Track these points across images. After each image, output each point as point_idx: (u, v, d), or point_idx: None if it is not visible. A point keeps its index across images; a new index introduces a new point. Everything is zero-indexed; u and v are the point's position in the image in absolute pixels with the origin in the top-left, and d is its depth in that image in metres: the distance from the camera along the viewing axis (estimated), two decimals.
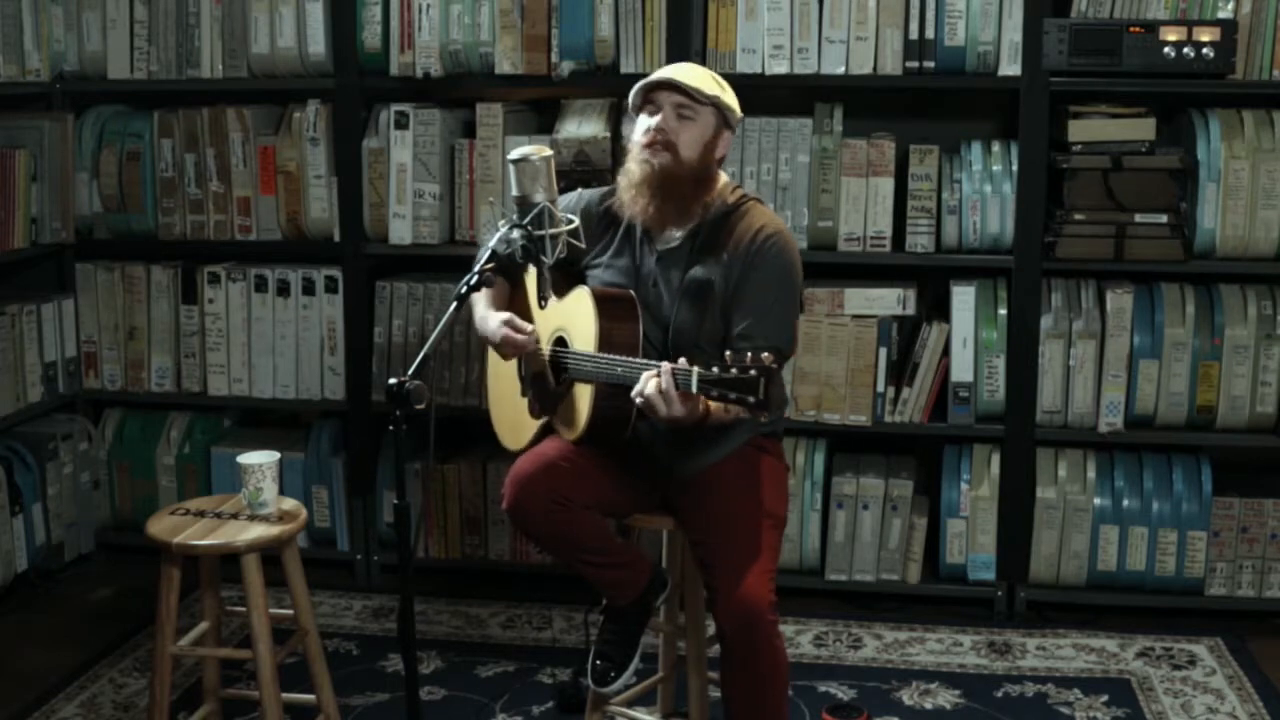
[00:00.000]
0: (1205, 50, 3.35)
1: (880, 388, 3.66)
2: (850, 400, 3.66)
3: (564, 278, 2.74)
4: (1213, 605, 3.65)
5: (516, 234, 2.48)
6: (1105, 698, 3.24)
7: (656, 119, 2.64)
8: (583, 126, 3.64)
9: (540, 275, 2.61)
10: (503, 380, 2.92)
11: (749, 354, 2.26)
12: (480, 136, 3.72)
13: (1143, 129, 3.47)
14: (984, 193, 3.56)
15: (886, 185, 3.58)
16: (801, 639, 3.56)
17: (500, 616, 3.73)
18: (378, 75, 3.76)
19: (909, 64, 3.52)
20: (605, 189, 2.84)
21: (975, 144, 3.62)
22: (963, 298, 3.60)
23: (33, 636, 3.63)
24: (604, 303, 2.62)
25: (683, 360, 2.35)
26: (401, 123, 3.73)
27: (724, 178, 2.76)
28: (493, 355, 2.90)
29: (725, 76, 2.76)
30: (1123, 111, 3.48)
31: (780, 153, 3.61)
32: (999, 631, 3.61)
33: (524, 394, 2.83)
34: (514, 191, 2.51)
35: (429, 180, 3.74)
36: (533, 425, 2.80)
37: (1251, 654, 3.46)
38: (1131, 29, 3.38)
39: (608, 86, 3.71)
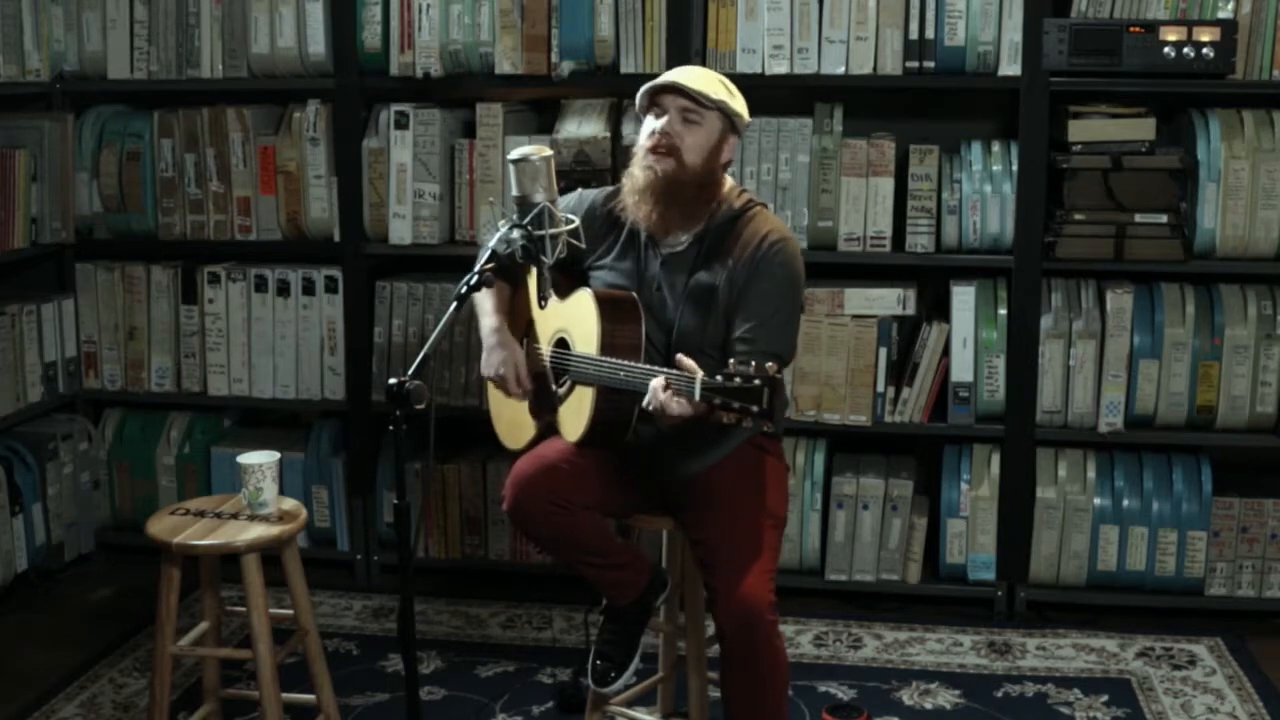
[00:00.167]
0: (1205, 50, 3.35)
1: (880, 388, 3.66)
2: (850, 400, 3.66)
3: (567, 278, 2.74)
4: (1213, 605, 3.65)
5: (516, 234, 2.48)
6: (1105, 698, 3.24)
7: (661, 122, 2.64)
8: (583, 126, 3.64)
9: (540, 275, 2.61)
10: None
11: (753, 363, 2.26)
12: (480, 136, 3.72)
13: (1143, 129, 3.47)
14: (984, 193, 3.56)
15: (886, 185, 3.58)
16: (801, 639, 3.56)
17: (500, 616, 3.73)
18: (378, 75, 3.76)
19: (909, 64, 3.52)
20: (609, 189, 2.84)
21: (975, 144, 3.62)
22: (963, 298, 3.60)
23: (33, 636, 3.63)
24: (607, 305, 2.61)
25: (686, 361, 2.34)
26: (401, 123, 3.73)
27: (729, 181, 2.75)
28: None
29: (725, 76, 2.75)
30: (1123, 111, 3.48)
31: (780, 153, 3.61)
32: (999, 631, 3.61)
33: (529, 397, 2.83)
34: (514, 191, 2.51)
35: (429, 180, 3.74)
36: (533, 425, 2.80)
37: (1251, 654, 3.46)
38: (1131, 29, 3.38)
39: (608, 86, 3.71)
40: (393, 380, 2.29)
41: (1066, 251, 3.51)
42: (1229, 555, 3.62)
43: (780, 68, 3.56)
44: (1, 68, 3.71)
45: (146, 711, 2.87)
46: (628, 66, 3.58)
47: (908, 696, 3.26)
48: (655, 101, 2.66)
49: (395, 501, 2.35)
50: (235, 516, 2.81)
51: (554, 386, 2.73)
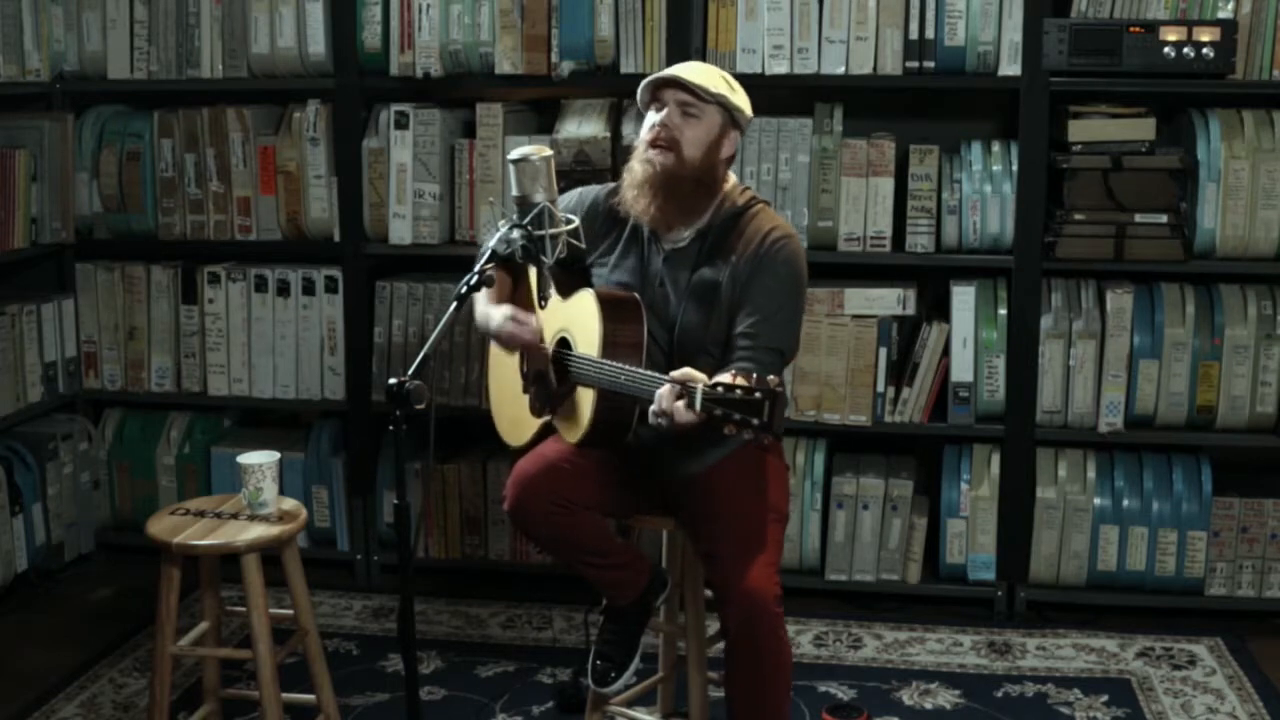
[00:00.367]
0: (1205, 50, 3.35)
1: (880, 388, 3.66)
2: (850, 400, 3.66)
3: (569, 277, 2.74)
4: (1213, 605, 3.65)
5: (516, 234, 2.48)
6: (1105, 698, 3.24)
7: (661, 115, 2.64)
8: (583, 126, 3.64)
9: (540, 275, 2.61)
10: (504, 376, 2.92)
11: (755, 374, 2.26)
12: (480, 136, 3.72)
13: (1143, 129, 3.47)
14: (984, 193, 3.56)
15: (886, 185, 3.58)
16: (801, 639, 3.56)
17: (500, 616, 3.73)
18: (378, 75, 3.76)
19: (909, 64, 3.52)
20: (610, 186, 2.83)
21: (975, 144, 3.62)
22: (963, 298, 3.60)
23: (33, 636, 3.63)
24: (609, 306, 2.61)
25: (688, 370, 2.35)
26: (401, 123, 3.73)
27: (732, 179, 2.75)
28: (494, 350, 2.90)
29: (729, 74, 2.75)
30: (1123, 111, 3.48)
31: (780, 153, 3.61)
32: (999, 631, 3.61)
33: (525, 391, 2.83)
34: (514, 191, 2.51)
35: (429, 180, 3.74)
36: (533, 423, 2.80)
37: (1251, 654, 3.46)
38: (1131, 29, 3.37)
39: (608, 86, 3.71)
40: (393, 380, 2.29)
41: (1066, 251, 3.51)
42: (1229, 555, 3.62)
43: (780, 68, 3.56)
44: (1, 68, 3.71)
45: (146, 711, 2.87)
46: (628, 66, 3.58)
47: (908, 696, 3.26)
48: (656, 96, 2.67)
49: (395, 501, 2.35)
50: (235, 516, 2.81)
51: (554, 386, 2.73)
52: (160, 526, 2.76)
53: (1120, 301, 3.54)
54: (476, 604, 3.80)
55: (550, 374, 2.73)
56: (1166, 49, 3.36)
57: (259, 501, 2.80)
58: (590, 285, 2.71)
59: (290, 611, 2.86)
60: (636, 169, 2.66)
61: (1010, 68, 3.49)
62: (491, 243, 2.50)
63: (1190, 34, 3.35)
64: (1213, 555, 3.61)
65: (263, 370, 3.97)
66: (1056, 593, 3.68)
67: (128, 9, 3.87)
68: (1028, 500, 3.62)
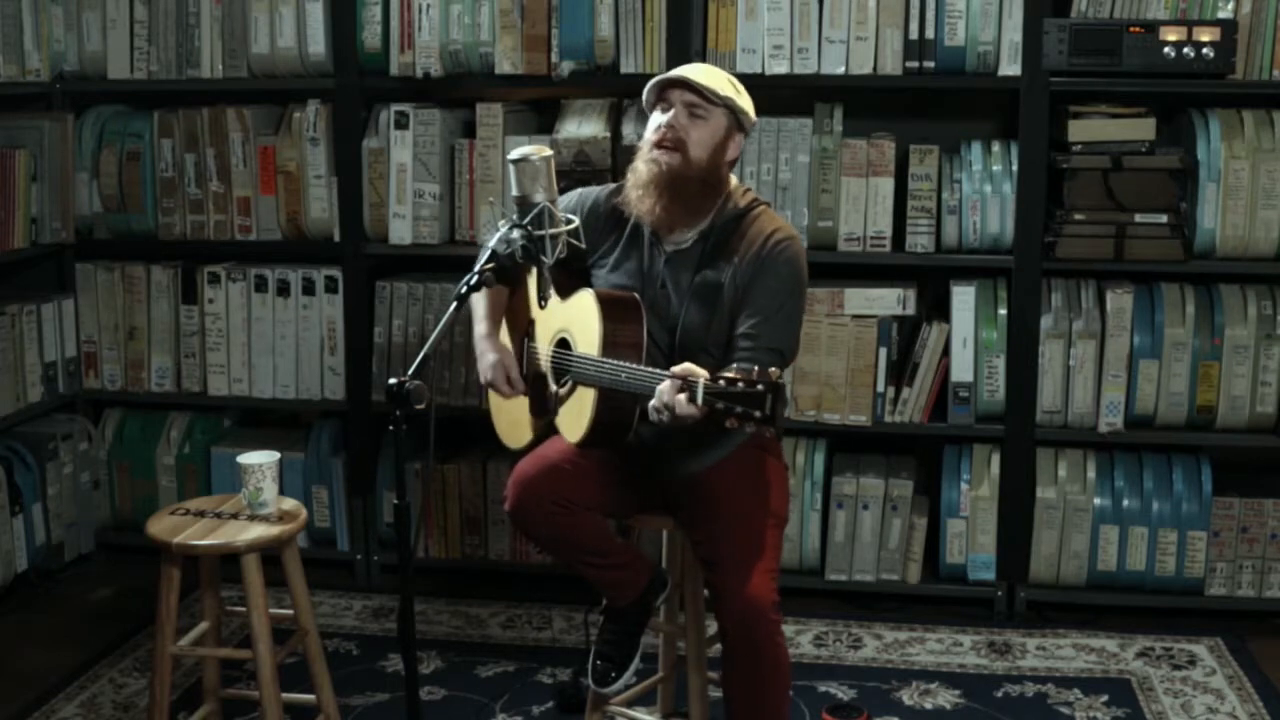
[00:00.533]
0: (1205, 50, 3.35)
1: (880, 388, 3.66)
2: (850, 400, 3.66)
3: (569, 276, 2.74)
4: (1213, 605, 3.65)
5: (516, 234, 2.48)
6: (1105, 698, 3.24)
7: (668, 116, 2.64)
8: (583, 126, 3.64)
9: (540, 275, 2.61)
10: None
11: (756, 368, 2.26)
12: (480, 136, 3.72)
13: (1143, 129, 3.47)
14: (984, 193, 3.56)
15: (886, 185, 3.58)
16: (801, 639, 3.56)
17: (500, 616, 3.73)
18: (378, 75, 3.76)
19: (909, 64, 3.52)
20: (612, 186, 2.83)
21: (975, 144, 3.62)
22: (963, 298, 3.60)
23: (33, 636, 3.62)
24: (609, 306, 2.61)
25: (688, 366, 2.35)
26: (401, 123, 3.73)
27: (734, 180, 2.75)
28: None
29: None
30: (1123, 111, 3.48)
31: (780, 153, 3.61)
32: (999, 631, 3.61)
33: (525, 393, 2.83)
34: (514, 191, 2.51)
35: (429, 180, 3.74)
36: (532, 425, 2.80)
37: (1251, 654, 3.46)
38: (1131, 29, 3.37)
39: (608, 86, 3.72)
40: (393, 380, 2.29)
41: (1066, 251, 3.51)
42: (1229, 555, 3.62)
43: (780, 68, 3.56)
44: (1, 68, 3.71)
45: (146, 711, 2.87)
46: (628, 66, 3.58)
47: (908, 696, 3.26)
48: (662, 96, 2.67)
49: (395, 501, 2.35)
50: (235, 516, 2.81)
51: (554, 387, 2.73)
52: (160, 526, 2.76)
53: (1120, 301, 3.54)
54: (476, 604, 3.80)
55: (549, 375, 2.74)
56: (1166, 49, 3.36)
57: (259, 501, 2.80)
58: (590, 286, 2.71)
59: (290, 611, 2.86)
60: (642, 169, 2.65)
61: (1010, 68, 3.49)
62: (491, 243, 2.50)
63: (1190, 34, 3.35)
64: (1213, 555, 3.61)
65: (263, 370, 3.97)
66: (1056, 593, 3.68)
67: (128, 9, 3.87)
68: (1028, 500, 3.62)
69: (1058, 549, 3.64)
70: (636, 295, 2.65)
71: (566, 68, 3.58)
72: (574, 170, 3.56)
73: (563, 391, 2.69)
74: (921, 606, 3.75)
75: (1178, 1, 3.44)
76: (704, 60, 3.54)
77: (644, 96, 2.70)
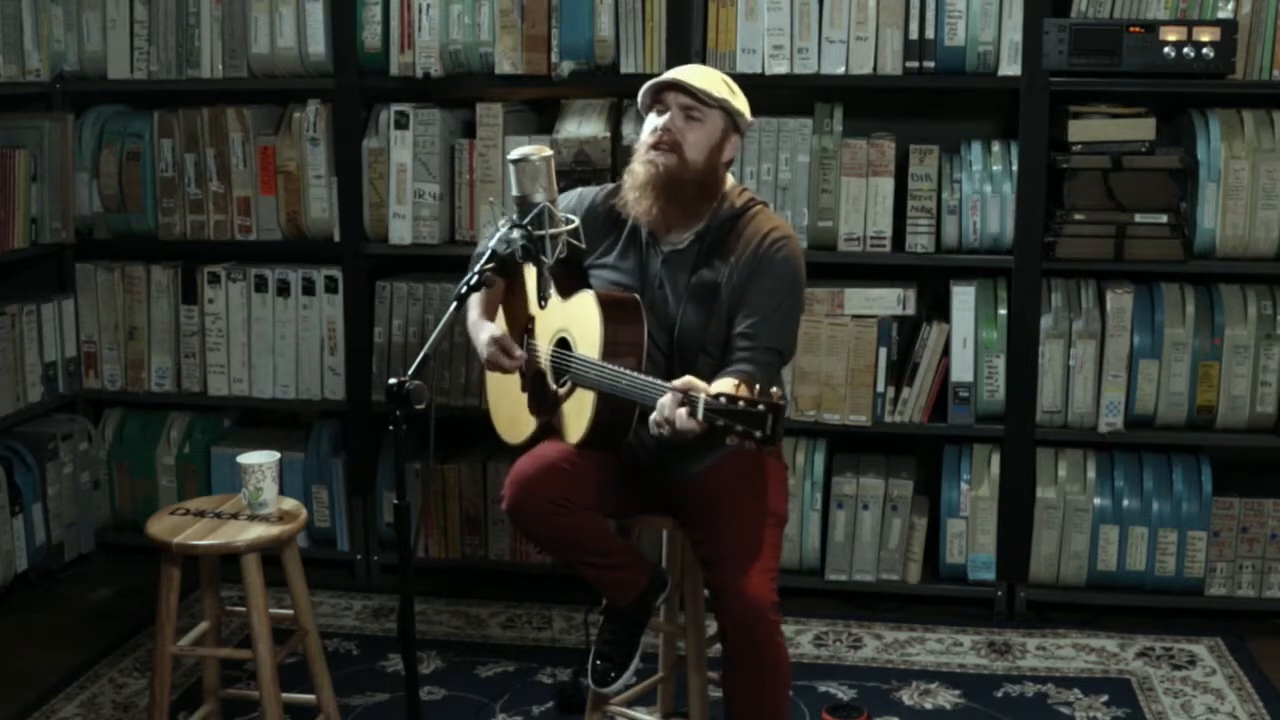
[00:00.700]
0: (1205, 50, 3.35)
1: (880, 388, 3.66)
2: (850, 400, 3.66)
3: (569, 277, 2.74)
4: (1213, 605, 3.65)
5: (516, 234, 2.48)
6: (1105, 698, 3.24)
7: (664, 119, 2.64)
8: (583, 126, 3.64)
9: (540, 275, 2.61)
10: (503, 375, 2.91)
11: (757, 384, 2.25)
12: (480, 136, 3.72)
13: (1143, 129, 3.47)
14: (984, 193, 3.56)
15: (886, 185, 3.58)
16: (801, 639, 3.56)
17: (500, 616, 3.73)
18: (378, 75, 3.76)
19: (909, 64, 3.52)
20: (610, 187, 2.83)
21: (975, 144, 3.62)
22: (963, 298, 3.60)
23: (33, 636, 3.63)
24: (609, 307, 2.61)
25: (689, 379, 2.34)
26: (401, 123, 3.73)
27: (731, 180, 2.75)
28: None
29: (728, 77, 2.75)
30: (1123, 111, 3.48)
31: (780, 153, 3.61)
32: (999, 631, 3.61)
33: (524, 389, 2.83)
34: (514, 191, 2.51)
35: (429, 180, 3.74)
36: (532, 422, 2.80)
37: (1251, 654, 3.46)
38: (1131, 29, 3.37)
39: (608, 86, 3.72)
40: (393, 380, 2.29)
41: (1066, 251, 3.51)
42: (1229, 555, 3.62)
43: (780, 68, 3.56)
44: (1, 68, 3.71)
45: (146, 711, 2.87)
46: (628, 66, 3.58)
47: (908, 696, 3.26)
48: (658, 99, 2.67)
49: (395, 501, 2.35)
50: (235, 516, 2.81)
51: (554, 386, 2.72)
52: (160, 526, 2.76)
53: (1120, 301, 3.54)
54: (476, 604, 3.80)
55: (549, 374, 2.74)
56: (1166, 49, 3.36)
57: (259, 501, 2.80)
58: (589, 286, 2.71)
59: (290, 611, 2.86)
60: (639, 171, 2.65)
61: (1010, 68, 3.49)
62: (491, 243, 2.50)
63: (1190, 34, 3.35)
64: (1213, 555, 3.61)
65: (263, 370, 3.97)
66: (1056, 593, 3.68)
67: (128, 9, 3.87)
68: (1028, 500, 3.62)
69: (1058, 549, 3.64)
70: (637, 296, 2.65)
71: (566, 68, 3.58)
72: (574, 170, 3.56)
73: (562, 391, 2.69)
74: (921, 606, 3.75)
75: (1178, 1, 3.44)
76: (704, 60, 3.54)
77: (639, 99, 2.70)
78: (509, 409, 2.88)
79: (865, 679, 3.34)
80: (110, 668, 3.42)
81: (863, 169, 3.58)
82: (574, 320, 2.67)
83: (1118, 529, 3.61)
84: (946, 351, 3.62)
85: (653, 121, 2.66)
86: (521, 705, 3.21)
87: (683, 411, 2.29)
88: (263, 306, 3.94)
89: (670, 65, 3.21)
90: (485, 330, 2.74)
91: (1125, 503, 3.61)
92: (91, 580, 4.01)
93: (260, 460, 2.79)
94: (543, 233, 2.49)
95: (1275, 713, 3.14)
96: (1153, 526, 3.59)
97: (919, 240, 3.59)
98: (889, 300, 3.66)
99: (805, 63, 3.55)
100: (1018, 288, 3.56)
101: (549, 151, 2.51)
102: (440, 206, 3.76)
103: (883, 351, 3.64)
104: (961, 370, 3.62)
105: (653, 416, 2.35)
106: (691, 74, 2.66)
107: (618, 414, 2.56)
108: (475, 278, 2.47)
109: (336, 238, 3.85)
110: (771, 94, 3.68)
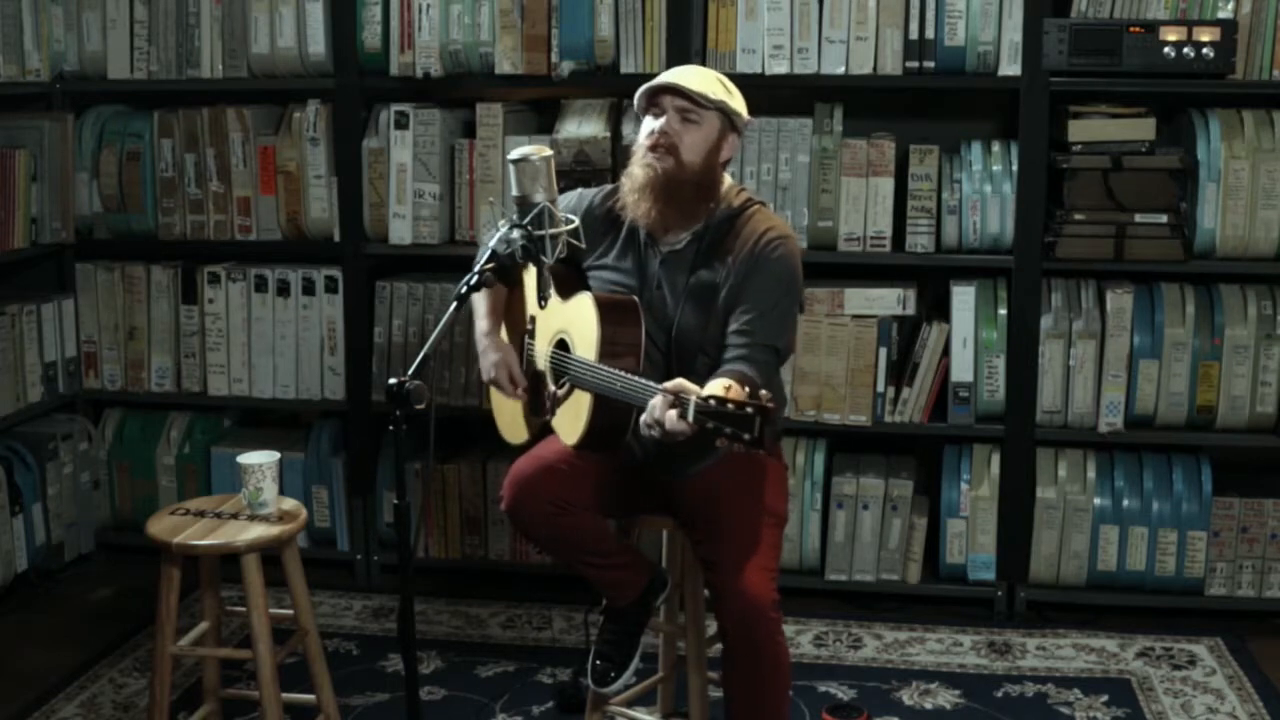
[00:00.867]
0: (1205, 50, 3.35)
1: (880, 388, 3.66)
2: (850, 400, 3.66)
3: (569, 278, 2.74)
4: (1213, 605, 3.65)
5: (516, 234, 2.48)
6: (1105, 698, 3.24)
7: (660, 122, 2.64)
8: (583, 126, 3.64)
9: (540, 275, 2.61)
10: None
11: (748, 384, 2.26)
12: (480, 136, 3.72)
13: (1143, 129, 3.47)
14: (984, 193, 3.56)
15: (886, 185, 3.58)
16: (801, 639, 3.56)
17: (500, 616, 3.73)
18: (378, 75, 3.76)
19: (909, 64, 3.52)
20: (607, 188, 2.84)
21: (975, 144, 3.62)
22: (963, 298, 3.60)
23: (33, 636, 3.63)
24: (607, 309, 2.61)
25: (681, 382, 2.35)
26: (401, 123, 3.73)
27: (728, 180, 2.75)
28: None
29: (725, 76, 2.75)
30: (1123, 111, 3.48)
31: (780, 153, 3.61)
32: (999, 631, 3.61)
33: (526, 393, 2.83)
34: (514, 191, 2.51)
35: (429, 180, 3.74)
36: (532, 423, 2.80)
37: (1251, 654, 3.46)
38: (1131, 29, 3.38)
39: (608, 86, 3.71)
40: (393, 380, 2.29)
41: (1066, 251, 3.51)
42: (1229, 555, 3.62)
43: (780, 68, 3.56)
44: (1, 68, 3.71)
45: (146, 711, 2.87)
46: (628, 66, 3.58)
47: (908, 696, 3.26)
48: (654, 102, 2.67)
49: (395, 501, 2.35)
50: (235, 516, 2.81)
51: (553, 387, 2.73)
52: (160, 526, 2.76)
53: (1120, 301, 3.54)
54: (476, 604, 3.80)
55: (548, 375, 2.74)
56: (1166, 49, 3.36)
57: (259, 501, 2.80)
58: (588, 287, 2.71)
59: (290, 611, 2.86)
60: (637, 173, 2.66)
61: (1010, 68, 3.49)
62: (491, 243, 2.50)
63: (1190, 34, 3.35)
64: (1213, 555, 3.61)
65: (263, 370, 3.97)
66: (1056, 593, 3.68)
67: (128, 9, 3.87)
68: (1028, 500, 3.62)
69: (1058, 549, 3.64)
70: (635, 298, 2.66)
71: (566, 68, 3.58)
72: (574, 170, 3.56)
73: (560, 393, 2.69)
74: (921, 606, 3.75)
75: (1178, 1, 3.44)
76: (704, 61, 3.54)
77: (635, 102, 2.70)
78: (510, 410, 2.88)
79: (865, 679, 3.34)
80: (110, 668, 3.42)
81: (863, 169, 3.58)
82: (573, 322, 2.67)
83: (1118, 529, 3.61)
84: (946, 351, 3.62)
85: (649, 124, 2.66)
86: (521, 705, 3.21)
87: (673, 414, 2.29)
88: (263, 306, 3.94)
89: (670, 65, 3.21)
90: (494, 350, 2.76)
91: (1125, 503, 3.61)
92: (91, 580, 4.01)
93: (260, 460, 2.79)
94: (543, 233, 2.48)
95: (1275, 713, 3.14)
96: (1153, 526, 3.59)
97: (919, 240, 3.59)
98: (889, 300, 3.66)
99: (805, 63, 3.55)
100: (1018, 288, 3.56)
101: (549, 151, 2.51)
102: (440, 206, 3.76)
103: (883, 351, 3.64)
104: (961, 370, 3.62)
105: (643, 418, 2.35)
106: (687, 76, 2.66)
107: (615, 416, 2.56)
108: (475, 277, 2.47)
109: (336, 238, 3.85)
110: (771, 94, 3.68)
